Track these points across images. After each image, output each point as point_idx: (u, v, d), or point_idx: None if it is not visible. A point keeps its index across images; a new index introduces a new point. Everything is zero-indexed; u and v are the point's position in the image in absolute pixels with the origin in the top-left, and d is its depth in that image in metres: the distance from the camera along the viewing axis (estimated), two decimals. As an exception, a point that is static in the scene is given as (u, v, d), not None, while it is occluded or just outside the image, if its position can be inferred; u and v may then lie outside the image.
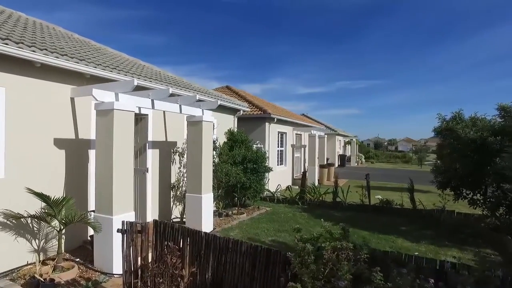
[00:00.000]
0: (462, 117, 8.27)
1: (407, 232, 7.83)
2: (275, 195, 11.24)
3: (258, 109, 13.43)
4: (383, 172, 28.23)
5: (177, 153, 7.73)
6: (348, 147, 36.63)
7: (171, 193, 7.68)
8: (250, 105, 13.73)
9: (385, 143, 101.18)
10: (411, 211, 9.69)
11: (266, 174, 9.85)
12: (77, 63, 5.00)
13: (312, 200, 10.90)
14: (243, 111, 10.75)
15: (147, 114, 6.80)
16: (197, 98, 6.01)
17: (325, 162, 19.82)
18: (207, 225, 6.81)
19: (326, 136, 20.26)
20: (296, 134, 18.07)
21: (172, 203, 7.72)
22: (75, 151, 5.37)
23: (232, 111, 10.46)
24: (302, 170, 16.64)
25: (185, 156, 7.98)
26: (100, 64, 5.56)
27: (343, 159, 31.92)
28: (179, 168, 7.94)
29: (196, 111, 6.63)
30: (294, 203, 10.93)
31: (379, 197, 13.17)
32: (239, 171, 8.39)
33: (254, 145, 9.96)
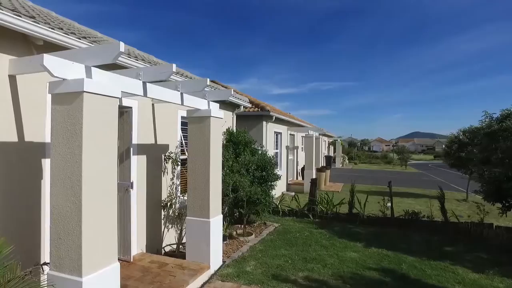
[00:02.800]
0: None
1: (458, 256, 6.35)
2: (279, 206, 9.52)
3: (254, 106, 11.64)
4: (373, 174, 27.25)
5: (170, 160, 5.80)
6: (331, 147, 35.61)
7: (162, 213, 5.75)
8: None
9: (359, 143, 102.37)
10: (444, 225, 8.27)
11: (274, 183, 8.09)
12: (19, 17, 3.01)
13: (324, 212, 9.26)
14: (244, 107, 8.92)
15: (131, 107, 4.85)
16: (208, 83, 4.16)
17: (320, 165, 18.35)
18: (215, 259, 4.97)
19: (321, 136, 18.84)
20: (290, 134, 16.46)
21: (163, 226, 5.79)
22: (17, 162, 3.35)
23: (231, 106, 8.62)
24: (311, 177, 15.03)
25: (179, 164, 6.06)
26: (61, 29, 3.57)
27: (329, 160, 30.75)
28: (172, 179, 6.02)
29: (201, 103, 4.78)
30: (303, 215, 9.25)
31: (389, 205, 11.81)
32: (249, 182, 6.57)
33: (260, 148, 8.17)
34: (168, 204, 5.74)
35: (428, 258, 6.16)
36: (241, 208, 7.30)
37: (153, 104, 5.42)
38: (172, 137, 6.01)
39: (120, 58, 4.39)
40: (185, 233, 5.94)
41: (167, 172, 5.87)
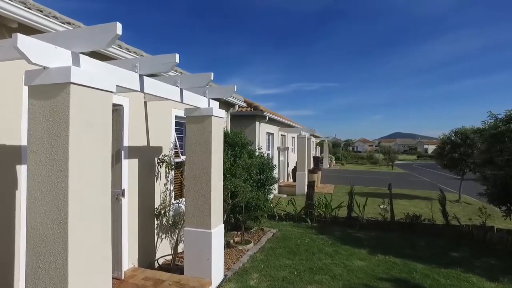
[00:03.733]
0: None
1: (467, 262, 6.08)
2: (275, 211, 9.08)
3: (247, 106, 11.16)
4: (362, 175, 27.21)
5: (164, 164, 5.27)
6: (318, 148, 35.49)
7: (155, 222, 5.21)
8: (237, 100, 11.43)
9: (342, 144, 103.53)
10: (446, 228, 8.03)
11: (272, 187, 7.65)
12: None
13: (322, 216, 8.88)
14: (239, 106, 8.44)
15: (122, 105, 4.30)
16: (212, 78, 3.67)
17: (312, 166, 18.06)
18: (217, 274, 4.47)
19: (312, 137, 18.55)
20: (281, 135, 16.07)
21: (156, 237, 5.25)
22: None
23: (225, 106, 8.12)
24: (304, 179, 14.67)
25: (173, 168, 5.54)
26: (41, 11, 3.01)
27: (317, 161, 30.58)
28: (165, 185, 5.49)
29: (201, 101, 4.28)
30: (300, 220, 8.84)
31: (384, 206, 11.57)
32: (250, 187, 6.10)
33: (257, 149, 7.70)
34: (162, 212, 5.20)
35: (438, 265, 5.86)
36: (239, 214, 6.82)
37: (145, 102, 4.88)
38: (165, 138, 5.47)
39: (110, 49, 3.85)
40: (181, 244, 5.43)
41: (160, 177, 5.33)
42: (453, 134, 13.47)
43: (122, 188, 4.23)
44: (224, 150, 6.95)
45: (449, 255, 6.51)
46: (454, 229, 7.94)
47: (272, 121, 13.19)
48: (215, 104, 4.57)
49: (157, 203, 5.25)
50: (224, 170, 6.19)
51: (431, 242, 7.36)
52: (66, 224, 2.08)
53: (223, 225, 4.72)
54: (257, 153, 7.65)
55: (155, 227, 5.21)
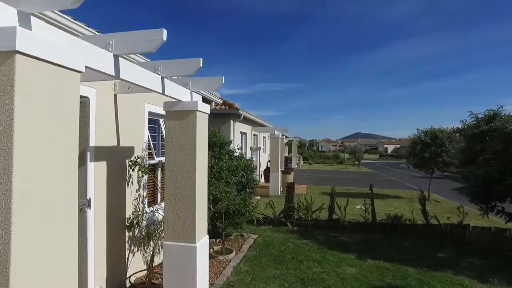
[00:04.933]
0: (503, 116, 6.70)
1: (454, 263, 5.97)
2: (253, 214, 8.56)
3: (222, 104, 10.56)
4: (331, 174, 27.47)
5: (136, 167, 4.57)
6: (286, 148, 35.47)
7: (126, 234, 4.49)
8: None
9: (307, 144, 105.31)
10: (427, 228, 7.96)
11: (253, 190, 7.14)
12: None
13: (302, 219, 8.51)
14: (215, 103, 7.84)
15: (87, 97, 3.58)
16: (201, 65, 3.09)
17: (284, 166, 17.77)
18: (202, 293, 3.87)
19: (284, 137, 18.27)
20: (253, 135, 15.62)
21: (128, 251, 4.53)
22: None
23: (201, 102, 7.48)
24: (278, 179, 14.25)
25: (147, 172, 4.85)
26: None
27: (286, 161, 30.49)
28: (138, 191, 4.79)
29: (183, 94, 3.67)
30: (280, 223, 8.41)
31: (361, 207, 11.46)
32: (234, 191, 5.53)
33: (237, 150, 7.16)
34: (134, 222, 4.50)
35: (429, 268, 5.66)
36: (217, 220, 6.24)
37: (115, 95, 4.16)
38: (138, 137, 4.77)
39: (74, 26, 3.15)
40: (157, 256, 4.77)
41: (132, 182, 4.62)
42: (422, 134, 13.74)
43: (88, 197, 3.51)
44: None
45: (435, 256, 6.38)
46: (434, 229, 7.90)
47: (246, 120, 12.69)
48: (198, 98, 3.98)
49: (128, 212, 4.54)
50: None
51: (415, 243, 7.22)
52: (8, 239, 1.43)
53: (207, 236, 4.13)
54: (236, 153, 7.10)
55: (126, 240, 4.49)
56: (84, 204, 3.46)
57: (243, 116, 11.28)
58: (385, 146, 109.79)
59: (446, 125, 13.65)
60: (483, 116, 7.05)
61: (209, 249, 5.90)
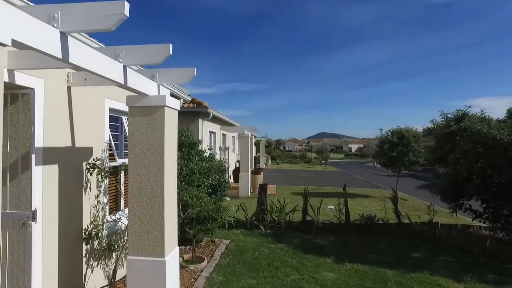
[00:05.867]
0: (471, 116, 6.82)
1: (429, 263, 5.97)
2: (224, 217, 8.15)
3: (190, 101, 10.03)
4: (299, 174, 27.59)
5: (95, 170, 4.01)
6: (254, 147, 35.29)
7: (84, 248, 3.93)
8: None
9: (274, 143, 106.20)
10: (399, 227, 7.99)
11: (225, 192, 6.74)
12: None
13: (275, 221, 8.22)
14: (184, 100, 7.34)
15: (32, 88, 3.00)
16: (170, 52, 2.65)
17: (254, 166, 17.47)
18: (173, 313, 3.43)
19: (253, 137, 17.97)
20: (222, 134, 15.17)
21: (85, 266, 3.97)
22: None
23: (168, 99, 6.95)
24: (247, 180, 13.90)
25: (108, 175, 4.30)
26: None
27: (255, 160, 30.28)
28: (97, 197, 4.23)
29: (149, 87, 3.21)
30: (253, 227, 8.07)
31: (332, 207, 11.41)
32: (206, 196, 5.09)
33: (207, 150, 6.73)
34: (93, 233, 3.95)
35: (406, 269, 5.58)
36: (188, 226, 5.77)
37: (69, 88, 3.60)
38: (97, 137, 4.21)
39: None
40: (120, 269, 4.24)
41: (90, 188, 4.06)
42: (389, 134, 14.00)
43: (33, 209, 2.94)
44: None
45: (411, 256, 6.34)
46: (406, 228, 7.94)
47: (215, 119, 12.24)
48: (166, 92, 3.53)
49: (86, 222, 3.98)
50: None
51: (389, 243, 7.18)
52: None
53: (178, 248, 3.69)
54: (207, 154, 6.66)
55: (84, 255, 3.92)
56: (27, 217, 2.89)
57: (212, 115, 10.82)
58: (349, 145, 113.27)
59: (406, 125, 14.06)
60: (453, 116, 7.14)
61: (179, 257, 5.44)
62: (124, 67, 2.67)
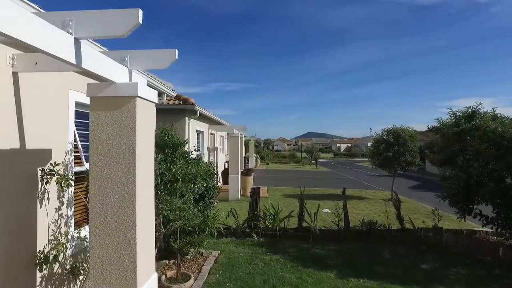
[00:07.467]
0: (483, 114, 6.27)
1: (442, 276, 5.43)
2: (213, 228, 7.43)
3: (175, 98, 9.26)
4: (290, 174, 26.98)
5: (54, 178, 3.25)
6: (244, 147, 34.59)
7: (38, 274, 3.16)
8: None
9: (263, 143, 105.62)
10: (402, 233, 7.41)
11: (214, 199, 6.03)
12: None
13: (269, 229, 7.55)
14: (168, 95, 6.60)
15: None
16: (140, 20, 1.94)
17: (244, 167, 16.77)
18: None
19: (243, 136, 17.26)
20: (210, 134, 14.42)
21: (40, 298, 3.20)
22: None
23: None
24: (237, 182, 13.18)
25: (71, 184, 3.54)
26: None
27: (245, 161, 29.56)
28: (59, 209, 3.47)
29: (115, 71, 2.48)
30: (244, 235, 7.38)
31: (327, 210, 10.83)
32: (191, 207, 4.36)
33: (194, 151, 6.01)
34: (51, 254, 3.19)
35: (418, 286, 4.96)
36: (171, 238, 5.04)
37: (16, 73, 2.83)
38: (58, 137, 3.45)
39: None
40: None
41: (48, 199, 3.30)
42: (385, 134, 13.51)
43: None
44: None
45: (420, 268, 5.76)
46: (410, 234, 7.38)
47: (202, 118, 11.49)
48: (140, 80, 2.80)
49: (43, 241, 3.22)
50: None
51: (394, 252, 6.59)
52: None
53: (156, 274, 2.97)
54: (193, 156, 5.94)
55: (38, 283, 3.16)
56: None
57: (200, 113, 10.08)
58: (338, 145, 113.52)
59: (394, 124, 13.65)
60: (461, 114, 6.59)
61: (160, 274, 4.71)
62: (76, 40, 1.94)
